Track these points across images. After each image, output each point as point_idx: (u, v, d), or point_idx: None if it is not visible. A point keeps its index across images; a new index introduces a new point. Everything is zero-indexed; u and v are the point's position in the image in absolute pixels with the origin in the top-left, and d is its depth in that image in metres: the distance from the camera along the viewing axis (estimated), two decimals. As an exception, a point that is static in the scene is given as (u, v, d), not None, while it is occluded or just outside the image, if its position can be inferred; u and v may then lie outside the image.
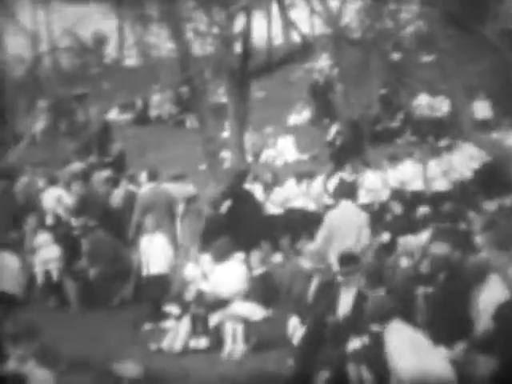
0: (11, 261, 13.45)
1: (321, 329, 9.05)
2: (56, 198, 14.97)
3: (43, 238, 13.83)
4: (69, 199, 14.88)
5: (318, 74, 23.89)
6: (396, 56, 21.47)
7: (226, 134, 19.49)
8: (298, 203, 15.59)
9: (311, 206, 15.66)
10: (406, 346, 7.68)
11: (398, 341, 7.76)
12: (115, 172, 16.52)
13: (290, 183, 16.14)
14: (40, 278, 13.62)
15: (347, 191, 12.29)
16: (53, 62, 25.90)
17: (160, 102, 25.65)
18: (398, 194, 15.95)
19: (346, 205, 11.24)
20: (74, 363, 9.97)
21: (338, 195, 12.49)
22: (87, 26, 25.18)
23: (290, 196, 15.69)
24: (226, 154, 18.31)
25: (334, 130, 20.48)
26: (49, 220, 14.64)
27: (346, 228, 10.84)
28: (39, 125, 23.25)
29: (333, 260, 10.22)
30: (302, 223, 15.01)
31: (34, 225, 14.47)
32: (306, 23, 26.22)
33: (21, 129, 22.43)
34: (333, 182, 15.99)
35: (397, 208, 14.90)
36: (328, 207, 13.99)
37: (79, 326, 11.93)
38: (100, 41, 28.19)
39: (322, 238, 10.95)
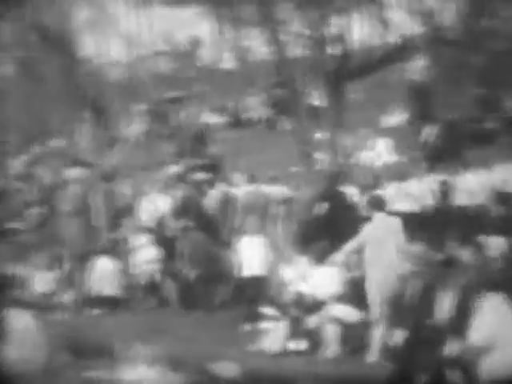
0: (111, 263, 13.79)
1: (420, 331, 8.96)
2: (154, 201, 15.22)
3: (143, 239, 14.09)
4: (166, 201, 15.08)
5: (415, 74, 23.58)
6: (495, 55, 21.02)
7: (320, 136, 19.44)
8: (398, 205, 15.39)
9: (411, 208, 15.43)
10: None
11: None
12: (212, 174, 16.66)
13: (389, 185, 15.98)
14: (140, 280, 13.90)
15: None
16: (150, 66, 26.35)
17: (254, 105, 25.77)
18: (496, 196, 15.61)
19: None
20: (173, 362, 10.13)
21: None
22: (184, 29, 25.53)
23: (389, 198, 15.52)
24: (320, 156, 18.27)
25: (430, 130, 20.19)
26: (148, 222, 14.87)
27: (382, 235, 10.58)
28: (136, 128, 23.65)
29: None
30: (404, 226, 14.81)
31: (134, 227, 14.76)
32: (403, 23, 25.91)
33: (118, 132, 22.90)
34: (429, 184, 15.75)
35: (496, 210, 14.60)
36: (429, 208, 13.79)
37: (178, 326, 12.12)
38: (196, 44, 28.54)
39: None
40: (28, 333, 9.93)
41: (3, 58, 29.45)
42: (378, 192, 15.33)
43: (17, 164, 20.01)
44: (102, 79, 24.01)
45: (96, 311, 13.37)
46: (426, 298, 9.45)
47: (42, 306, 13.24)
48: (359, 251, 10.52)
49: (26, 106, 25.85)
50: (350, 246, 10.70)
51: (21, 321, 10.08)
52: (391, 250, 10.24)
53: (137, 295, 13.96)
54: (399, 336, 9.65)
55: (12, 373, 8.92)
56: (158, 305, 13.58)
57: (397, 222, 10.59)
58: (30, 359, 9.78)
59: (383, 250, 10.20)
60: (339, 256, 10.90)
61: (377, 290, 10.07)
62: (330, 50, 17.15)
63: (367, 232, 10.48)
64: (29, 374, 9.56)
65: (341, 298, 10.90)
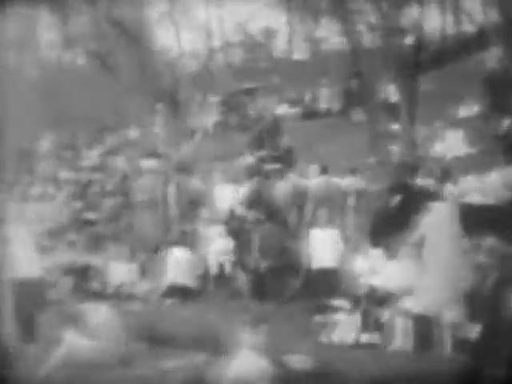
0: (184, 254, 13.97)
1: (495, 325, 8.88)
2: (227, 192, 15.35)
3: (216, 230, 14.23)
4: (239, 193, 15.19)
5: (491, 64, 23.14)
6: None
7: (393, 127, 19.26)
8: (471, 198, 15.18)
9: (485, 201, 15.20)
10: None
11: None
12: (284, 166, 16.69)
13: (463, 177, 15.77)
14: (213, 270, 14.04)
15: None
16: (225, 57, 26.50)
17: (329, 96, 25.65)
18: None
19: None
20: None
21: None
22: (257, 20, 25.60)
23: (465, 190, 15.31)
24: (393, 148, 18.12)
25: (508, 122, 19.80)
26: (221, 213, 15.00)
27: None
28: (210, 119, 23.80)
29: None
30: (478, 218, 14.62)
31: (207, 218, 14.90)
32: (478, 12, 25.49)
33: (192, 123, 23.08)
34: (505, 176, 15.49)
35: None
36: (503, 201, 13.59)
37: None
38: (269, 35, 28.56)
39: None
40: (106, 323, 10.19)
41: (78, 51, 30.03)
42: (447, 184, 15.25)
43: (93, 155, 20.35)
44: (177, 71, 24.23)
45: (170, 301, 13.57)
46: (501, 291, 9.35)
47: (118, 297, 13.54)
48: (419, 243, 10.51)
49: (101, 97, 26.29)
50: (411, 238, 10.69)
51: (99, 312, 10.35)
52: (449, 240, 10.21)
53: (209, 286, 14.13)
54: (473, 329, 9.57)
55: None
56: (230, 296, 13.71)
57: (454, 212, 10.56)
58: (108, 349, 10.05)
59: (442, 241, 10.18)
60: (406, 248, 10.89)
61: (438, 282, 9.99)
62: (404, 40, 16.98)
63: (427, 223, 10.48)
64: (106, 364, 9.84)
65: (413, 291, 10.84)
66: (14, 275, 10.87)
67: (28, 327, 11.09)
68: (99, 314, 10.34)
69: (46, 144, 22.82)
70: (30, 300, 11.06)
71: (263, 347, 8.32)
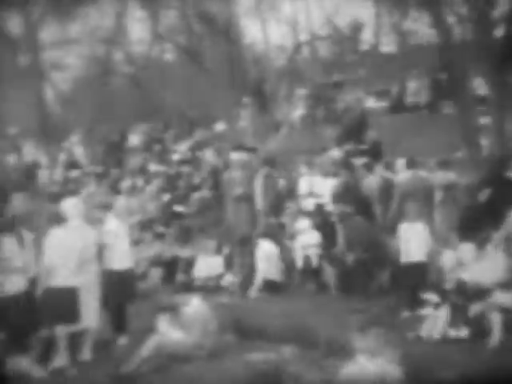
0: (273, 247, 14.05)
1: None
2: (315, 185, 15.36)
3: (303, 223, 14.26)
4: (327, 186, 15.17)
5: None
6: None
7: (484, 121, 18.93)
8: None
9: None
10: None
11: None
12: (371, 159, 16.59)
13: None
14: (300, 264, 14.07)
15: None
16: (312, 51, 26.48)
17: (416, 89, 25.35)
18: None
19: None
20: (332, 347, 10.21)
21: None
22: (345, 13, 25.49)
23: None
24: (484, 141, 17.81)
25: None
26: (308, 206, 15.03)
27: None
28: (298, 112, 23.83)
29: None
30: None
31: (295, 211, 14.95)
32: None
33: (280, 117, 23.16)
34: None
35: None
36: None
37: (337, 311, 12.19)
38: (357, 28, 28.41)
39: None
40: (197, 316, 10.33)
41: (167, 45, 30.45)
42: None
43: (182, 148, 20.63)
44: (265, 64, 24.35)
45: (257, 294, 13.66)
46: None
47: (206, 290, 13.71)
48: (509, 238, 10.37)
49: (189, 91, 26.62)
50: (502, 231, 10.55)
51: (191, 304, 10.51)
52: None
53: (295, 279, 14.18)
54: None
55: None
56: (317, 290, 13.73)
57: None
58: (198, 341, 10.18)
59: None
60: (497, 242, 10.75)
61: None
62: (494, 32, 16.65)
63: None
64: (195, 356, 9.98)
65: (505, 286, 10.67)
66: (109, 267, 11.16)
67: (120, 318, 11.34)
68: (191, 306, 10.49)
69: (135, 138, 23.23)
70: (122, 291, 11.30)
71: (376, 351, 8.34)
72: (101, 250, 11.13)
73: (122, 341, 11.13)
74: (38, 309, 10.61)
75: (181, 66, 28.96)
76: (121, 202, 12.65)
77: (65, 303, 10.32)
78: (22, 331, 10.32)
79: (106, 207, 11.88)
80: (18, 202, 13.77)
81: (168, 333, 10.23)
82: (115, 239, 11.29)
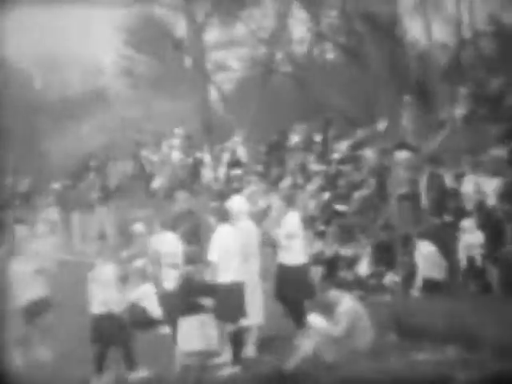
0: (434, 247, 13.92)
1: None
2: (477, 184, 15.07)
3: (467, 223, 14.04)
4: (491, 185, 14.86)
5: None
6: None
7: None
8: None
9: None
10: None
11: None
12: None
13: None
14: (463, 263, 13.86)
15: None
16: (475, 48, 25.90)
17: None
18: None
19: None
20: (496, 350, 10.02)
21: None
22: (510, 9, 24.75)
23: None
24: None
25: None
26: (472, 205, 14.77)
27: None
28: (460, 111, 23.36)
29: None
30: None
31: (458, 210, 14.73)
32: None
33: (442, 115, 22.77)
34: None
35: None
36: None
37: (501, 313, 11.93)
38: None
39: None
40: (349, 313, 10.38)
41: (327, 45, 30.58)
42: None
43: (342, 147, 20.68)
44: (427, 62, 24.03)
45: (419, 293, 13.58)
46: None
47: (367, 288, 13.74)
48: None
49: (350, 90, 26.60)
50: None
51: (343, 301, 10.57)
52: None
53: (458, 279, 13.98)
54: None
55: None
56: (480, 290, 13.48)
57: None
58: (358, 340, 10.24)
59: None
60: None
61: None
62: None
63: None
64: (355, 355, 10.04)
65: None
66: (285, 262, 11.41)
67: (298, 314, 11.49)
68: (344, 303, 10.54)
69: (296, 137, 23.48)
70: (299, 287, 11.43)
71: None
72: (275, 246, 11.46)
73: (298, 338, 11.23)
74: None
75: (342, 65, 29.01)
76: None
77: (232, 299, 10.57)
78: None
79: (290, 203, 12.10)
80: (182, 200, 14.23)
81: (322, 330, 10.33)
82: (292, 235, 11.53)
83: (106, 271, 11.05)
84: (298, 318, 11.45)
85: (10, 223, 22.65)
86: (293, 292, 11.41)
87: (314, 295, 11.79)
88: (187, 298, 10.14)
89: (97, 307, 10.89)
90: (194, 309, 10.12)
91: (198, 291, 10.36)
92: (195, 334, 10.04)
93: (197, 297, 10.22)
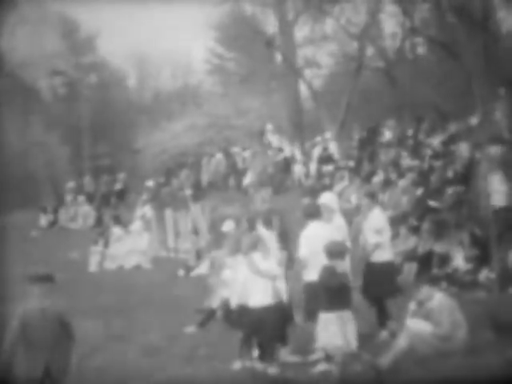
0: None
1: None
2: None
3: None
4: None
5: None
6: None
7: None
8: None
9: None
10: None
11: None
12: None
13: None
14: None
15: None
16: None
17: None
18: None
19: None
20: None
21: None
22: None
23: None
24: None
25: None
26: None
27: None
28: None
29: None
30: None
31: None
32: None
33: None
34: None
35: None
36: None
37: None
38: None
39: None
40: (440, 309, 10.29)
41: (419, 39, 30.28)
42: None
43: (435, 142, 20.43)
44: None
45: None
46: None
47: (462, 285, 13.57)
48: None
49: (442, 84, 26.29)
50: None
51: (435, 298, 10.48)
52: None
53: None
54: None
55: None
56: None
57: None
58: (452, 336, 10.15)
59: None
60: None
61: None
62: None
63: None
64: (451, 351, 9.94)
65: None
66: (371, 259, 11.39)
67: (381, 312, 11.45)
68: (435, 299, 10.45)
69: (388, 132, 23.33)
70: (382, 284, 11.42)
71: None
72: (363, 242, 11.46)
73: (383, 335, 11.22)
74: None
75: (434, 60, 28.70)
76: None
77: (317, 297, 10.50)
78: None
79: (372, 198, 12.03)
80: (262, 199, 14.27)
81: (416, 325, 10.26)
82: (380, 231, 11.49)
83: (270, 265, 10.74)
84: (381, 316, 11.41)
85: (106, 220, 23.28)
86: (377, 289, 11.36)
87: (397, 293, 11.70)
88: (330, 292, 9.94)
89: (262, 299, 10.58)
90: (335, 304, 9.91)
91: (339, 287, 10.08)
92: (334, 330, 9.86)
93: (338, 292, 9.98)
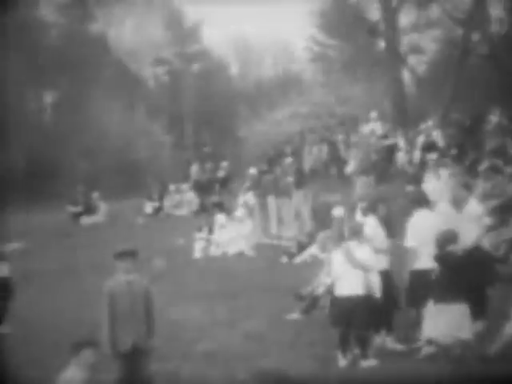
0: None
1: None
2: None
3: None
4: None
5: None
6: None
7: None
8: None
9: None
10: None
11: None
12: None
13: None
14: None
15: None
16: None
17: None
18: None
19: None
20: None
21: None
22: None
23: None
24: None
25: None
26: None
27: None
28: None
29: None
30: None
31: None
32: None
33: None
34: None
35: None
36: None
37: None
38: None
39: None
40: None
41: None
42: None
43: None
44: None
45: None
46: None
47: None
48: None
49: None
50: None
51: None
52: None
53: None
54: None
55: None
56: None
57: None
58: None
59: None
60: None
61: None
62: None
63: None
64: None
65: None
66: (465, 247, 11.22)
67: (479, 301, 11.23)
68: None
69: (494, 119, 22.83)
70: (478, 273, 11.18)
71: None
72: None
73: (478, 326, 10.97)
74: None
75: None
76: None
77: (424, 286, 10.40)
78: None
79: (468, 189, 11.83)
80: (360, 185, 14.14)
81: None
82: (473, 220, 11.27)
83: (364, 254, 10.65)
84: (478, 306, 10.98)
85: (210, 207, 23.62)
86: (478, 278, 10.99)
87: (494, 282, 11.46)
88: (449, 282, 9.80)
89: (351, 289, 10.51)
90: (449, 295, 9.78)
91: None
92: (443, 321, 9.77)
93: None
